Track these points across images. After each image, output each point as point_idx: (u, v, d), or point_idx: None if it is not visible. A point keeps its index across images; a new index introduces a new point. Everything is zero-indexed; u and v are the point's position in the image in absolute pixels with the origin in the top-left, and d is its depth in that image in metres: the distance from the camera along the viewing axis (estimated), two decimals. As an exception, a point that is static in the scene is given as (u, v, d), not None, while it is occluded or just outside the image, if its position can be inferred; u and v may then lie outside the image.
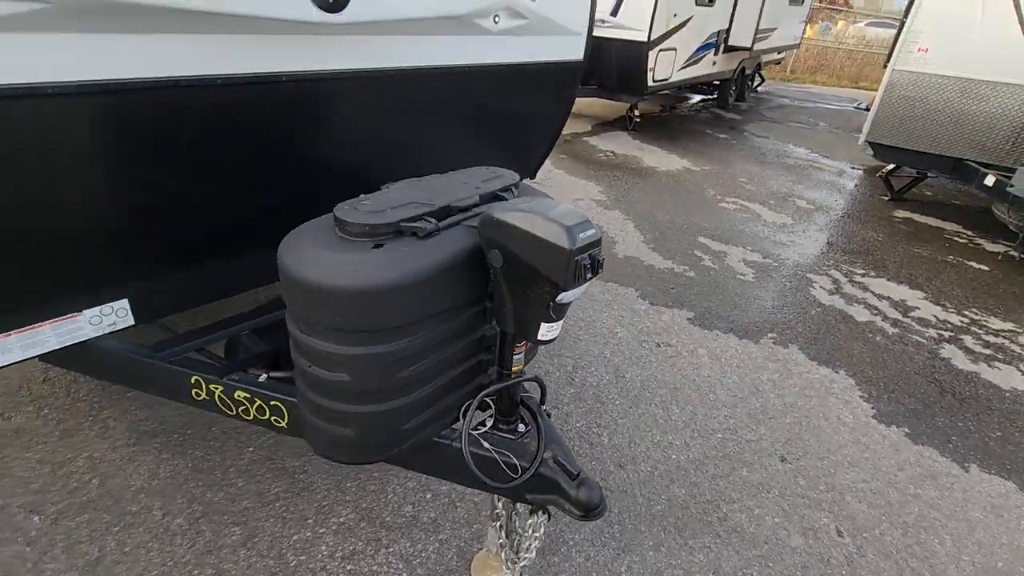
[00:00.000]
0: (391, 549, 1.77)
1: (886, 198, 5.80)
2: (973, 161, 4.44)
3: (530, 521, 1.44)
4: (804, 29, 12.91)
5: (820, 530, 1.95)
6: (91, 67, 1.18)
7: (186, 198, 1.55)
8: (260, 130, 1.57)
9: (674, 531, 1.90)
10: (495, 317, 1.26)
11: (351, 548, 1.76)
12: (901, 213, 5.41)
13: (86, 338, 1.58)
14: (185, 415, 2.23)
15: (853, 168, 7.03)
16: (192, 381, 1.55)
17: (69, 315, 1.53)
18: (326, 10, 1.41)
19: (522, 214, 1.07)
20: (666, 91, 8.36)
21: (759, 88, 12.96)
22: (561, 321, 1.19)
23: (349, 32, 1.52)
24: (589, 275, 1.06)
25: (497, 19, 1.94)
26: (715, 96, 10.84)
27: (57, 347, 1.54)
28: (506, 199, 1.36)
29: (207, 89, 1.37)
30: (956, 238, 4.86)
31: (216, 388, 1.54)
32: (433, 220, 1.18)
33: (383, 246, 1.12)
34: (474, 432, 1.37)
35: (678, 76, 7.66)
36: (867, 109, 10.13)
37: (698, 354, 2.89)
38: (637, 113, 7.97)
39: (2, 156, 1.16)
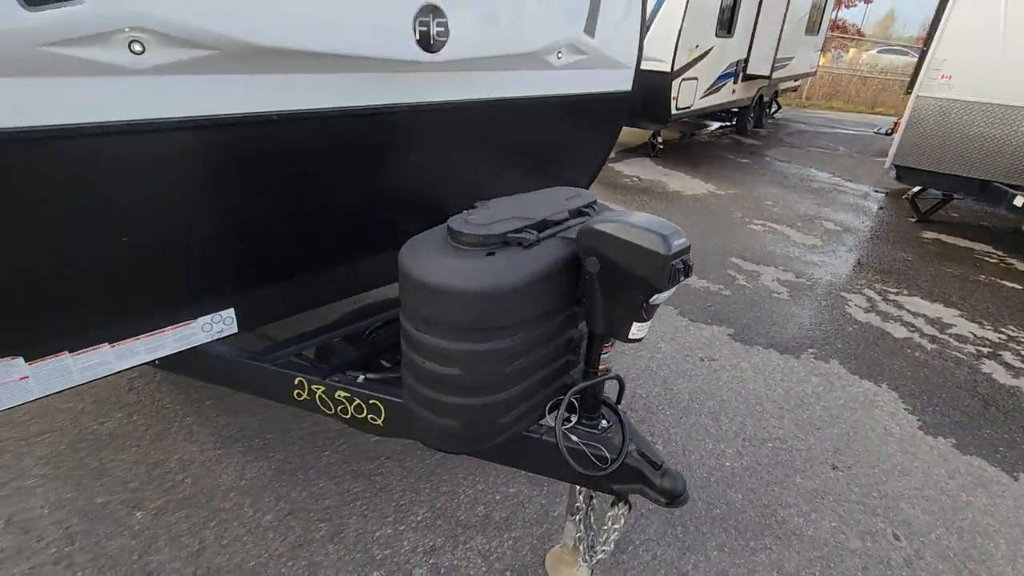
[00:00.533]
0: (469, 545, 1.87)
1: (913, 220, 5.88)
2: (1001, 183, 4.53)
3: (611, 513, 1.54)
4: (819, 57, 13.14)
5: (877, 534, 2.01)
6: (232, 102, 1.36)
7: (289, 220, 1.72)
8: (359, 156, 1.75)
9: (735, 533, 1.98)
10: (586, 319, 1.39)
11: (431, 544, 1.87)
12: (929, 234, 5.48)
13: (198, 343, 1.75)
14: (263, 421, 2.38)
15: (877, 191, 7.12)
16: (296, 382, 1.70)
17: (185, 322, 1.70)
18: (427, 51, 1.60)
19: (620, 225, 1.22)
20: (687, 118, 8.58)
21: (776, 114, 13.18)
22: (650, 321, 1.32)
23: (442, 69, 1.70)
24: (682, 277, 1.20)
25: (560, 55, 2.12)
26: (734, 123, 11.05)
27: (174, 351, 1.71)
28: (590, 214, 1.51)
29: (321, 120, 1.55)
30: (987, 258, 4.92)
31: (318, 389, 1.68)
32: (534, 232, 1.33)
33: (495, 254, 1.27)
34: (555, 425, 1.49)
35: (700, 104, 7.88)
36: (887, 134, 10.31)
37: (742, 368, 2.98)
38: (659, 140, 8.18)
39: (155, 182, 1.34)
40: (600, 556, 1.62)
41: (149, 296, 1.56)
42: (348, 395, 1.66)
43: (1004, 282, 4.40)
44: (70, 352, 1.50)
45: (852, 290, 4.08)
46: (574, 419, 1.52)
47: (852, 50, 24.12)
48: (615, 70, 2.45)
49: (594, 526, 1.68)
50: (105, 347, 1.56)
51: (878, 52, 25.06)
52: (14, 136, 1.06)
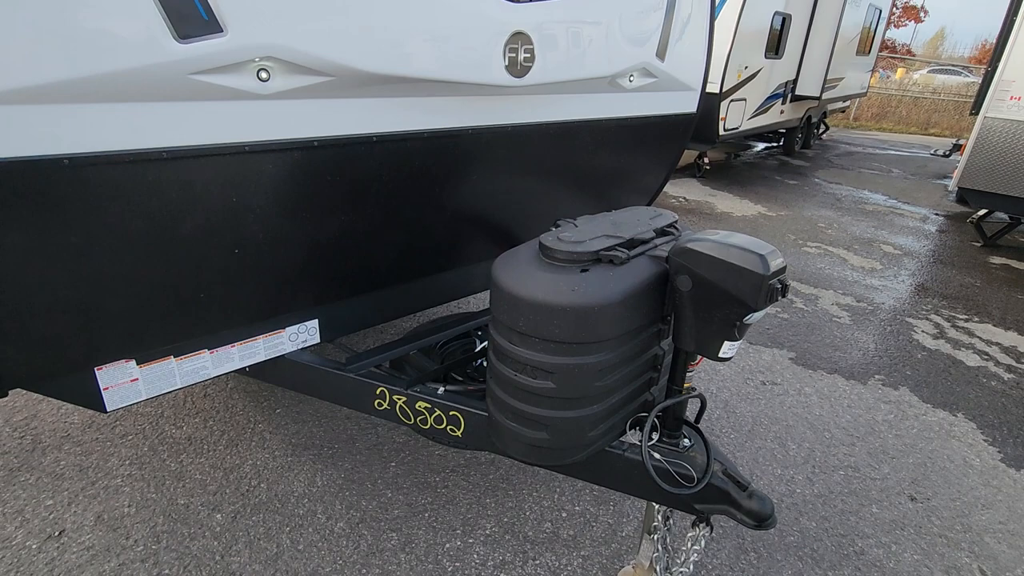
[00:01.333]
0: (538, 562, 1.87)
1: (978, 244, 5.65)
2: (1077, 206, 4.34)
3: (691, 533, 1.53)
4: (870, 78, 12.87)
5: (963, 568, 1.92)
6: (340, 124, 1.45)
7: (377, 235, 1.80)
8: (445, 175, 1.82)
9: (811, 561, 1.92)
10: (674, 336, 1.40)
11: (500, 558, 1.88)
12: (996, 259, 5.26)
13: (284, 352, 1.83)
14: (328, 431, 2.44)
15: (937, 214, 6.88)
16: (378, 392, 1.76)
17: (275, 331, 1.78)
18: (514, 76, 1.66)
19: (715, 244, 1.23)
20: (733, 139, 8.51)
21: (823, 135, 12.93)
22: (741, 340, 1.32)
23: (525, 92, 1.77)
24: (779, 297, 1.20)
25: (632, 78, 2.17)
26: (780, 143, 10.89)
27: (264, 358, 1.79)
28: (674, 233, 1.53)
29: (415, 140, 1.63)
30: (1062, 285, 4.68)
31: (399, 399, 1.73)
32: (625, 250, 1.36)
33: (588, 271, 1.30)
34: (638, 442, 1.49)
35: (747, 125, 7.81)
36: (946, 155, 9.98)
37: (806, 393, 2.91)
38: (706, 160, 8.13)
39: (267, 198, 1.42)
40: (677, 578, 1.60)
41: (246, 306, 1.65)
42: (429, 406, 1.70)
43: (1083, 311, 4.18)
44: (175, 357, 1.59)
45: (917, 315, 3.94)
46: (655, 436, 1.52)
47: (900, 70, 23.55)
48: (682, 92, 2.48)
49: (670, 546, 1.67)
50: (204, 353, 1.65)
51: (928, 72, 24.41)
52: (162, 155, 1.16)
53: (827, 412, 2.75)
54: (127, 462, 2.23)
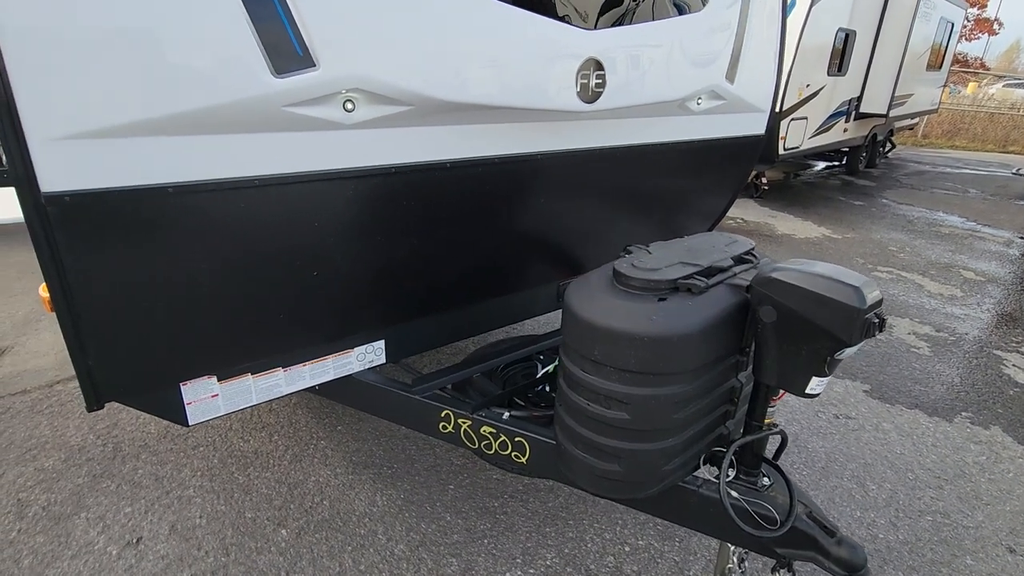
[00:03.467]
0: (601, 597, 1.81)
1: (1071, 271, 5.22)
2: None
3: (769, 580, 1.44)
4: (941, 94, 12.26)
5: (1079, 636, 1.73)
6: (418, 151, 1.48)
7: (446, 258, 1.82)
8: (515, 199, 1.83)
9: (899, 616, 1.77)
10: (755, 369, 1.34)
11: (562, 591, 1.83)
12: (1094, 288, 4.84)
13: (352, 371, 1.86)
14: (388, 450, 2.46)
15: (1022, 238, 6.41)
16: (443, 415, 1.76)
17: (344, 351, 1.81)
18: (586, 102, 1.66)
19: (803, 274, 1.18)
20: (793, 159, 8.24)
21: (890, 154, 12.36)
22: (830, 376, 1.25)
23: (596, 117, 1.76)
24: (877, 332, 1.13)
25: (700, 101, 2.13)
26: (843, 162, 10.48)
27: (333, 377, 1.83)
28: (752, 261, 1.48)
29: (488, 166, 1.64)
30: None
31: (464, 423, 1.73)
32: (703, 279, 1.31)
33: (666, 300, 1.26)
34: (716, 480, 1.42)
35: (808, 144, 7.55)
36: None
37: (884, 428, 2.73)
38: (764, 180, 7.90)
39: (347, 223, 1.47)
40: (753, 626, 1.51)
41: (320, 326, 1.69)
42: (494, 431, 1.69)
43: None
44: (252, 375, 1.65)
45: (1007, 348, 3.65)
46: (731, 473, 1.45)
47: (972, 84, 22.32)
48: (750, 114, 2.42)
49: (745, 592, 1.58)
50: (279, 372, 1.70)
51: (1003, 86, 23.05)
52: (254, 183, 1.21)
53: (909, 451, 2.57)
54: (199, 473, 2.32)
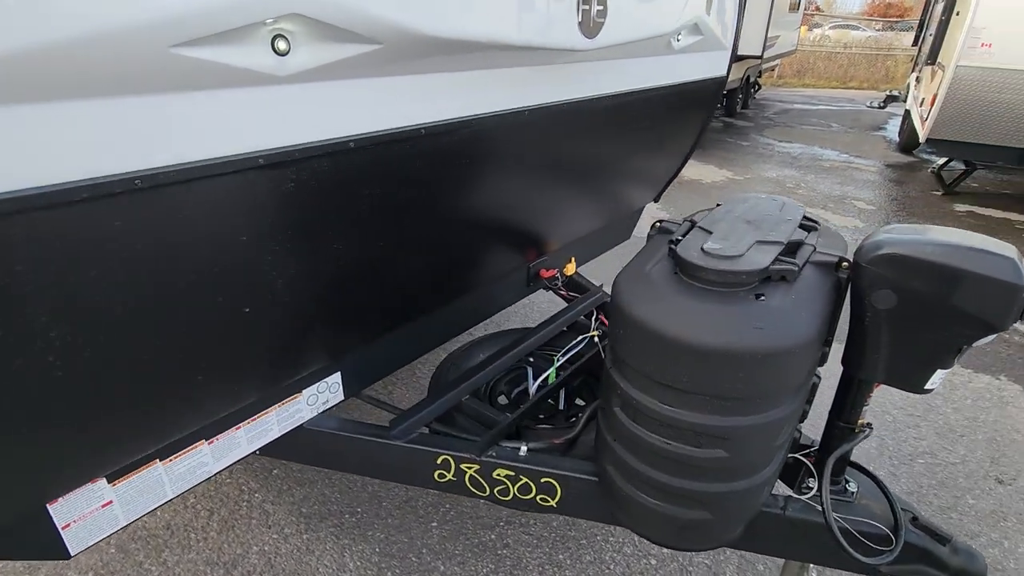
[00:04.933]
0: (644, 630, 1.56)
1: (939, 193, 5.77)
2: (1043, 150, 4.42)
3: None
4: (798, 35, 13.13)
5: (1085, 560, 1.77)
6: (386, 114, 1.01)
7: (406, 257, 1.37)
8: (490, 168, 1.41)
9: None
10: (851, 363, 1.09)
11: (599, 634, 1.55)
12: (961, 207, 5.37)
13: (303, 420, 1.40)
14: (344, 491, 2.01)
15: (887, 166, 7.03)
16: (439, 461, 1.36)
17: (290, 397, 1.34)
18: (586, 36, 1.27)
19: (941, 247, 0.92)
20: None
21: (756, 95, 13.11)
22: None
23: (593, 58, 1.38)
24: (1034, 312, 0.90)
25: (679, 37, 1.81)
26: (722, 104, 10.91)
27: (279, 435, 1.35)
28: (816, 228, 1.21)
29: (463, 130, 1.21)
30: (1027, 228, 4.82)
31: (469, 468, 1.34)
32: (794, 262, 1.02)
33: (764, 297, 0.95)
34: (804, 498, 1.19)
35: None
36: (881, 107, 10.33)
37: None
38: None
39: (268, 224, 0.98)
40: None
41: (256, 374, 1.20)
42: (511, 473, 1.32)
43: (1058, 252, 4.29)
44: (161, 460, 1.13)
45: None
46: (813, 485, 1.22)
47: (803, 27, 24.45)
48: (718, 52, 2.15)
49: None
50: (202, 446, 1.19)
51: (830, 28, 25.49)
52: (134, 183, 0.70)
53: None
54: (90, 574, 1.72)
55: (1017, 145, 4.53)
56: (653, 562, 1.76)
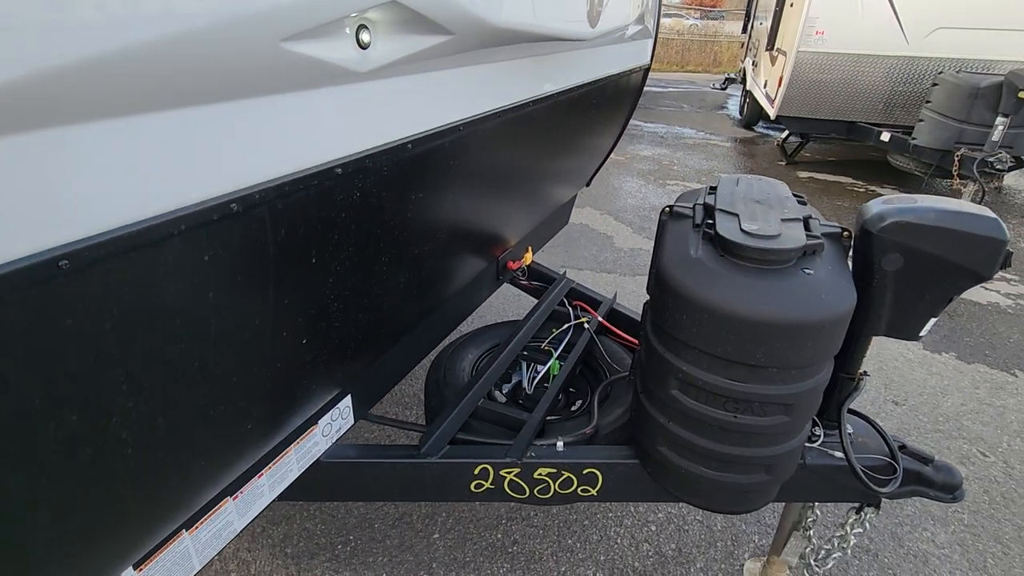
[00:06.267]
0: (665, 593, 1.65)
1: (783, 163, 6.63)
2: (864, 122, 5.27)
3: (853, 518, 1.43)
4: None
5: (970, 456, 2.20)
6: (439, 110, 0.93)
7: (414, 264, 1.29)
8: (487, 165, 1.36)
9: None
10: (861, 321, 1.23)
11: (627, 606, 1.61)
12: (802, 174, 6.22)
13: (319, 454, 1.27)
14: (329, 520, 1.86)
15: (735, 140, 7.91)
16: (477, 472, 1.30)
17: (306, 433, 1.21)
18: (591, 25, 1.26)
19: (943, 213, 1.07)
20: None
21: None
22: (939, 314, 1.21)
23: (590, 46, 1.38)
24: (1008, 264, 1.09)
25: (630, 26, 1.87)
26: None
27: (299, 473, 1.22)
28: (804, 202, 1.34)
29: (485, 124, 1.15)
30: (855, 188, 5.72)
31: (509, 472, 1.31)
32: (817, 236, 1.12)
33: (810, 271, 1.04)
34: (814, 445, 1.33)
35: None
36: (722, 88, 11.52)
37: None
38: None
39: (305, 253, 0.87)
40: (831, 564, 1.52)
41: (273, 415, 1.06)
42: (553, 471, 1.31)
43: (882, 207, 5.17)
44: (187, 530, 0.96)
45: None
46: (819, 432, 1.37)
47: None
48: (647, 40, 2.26)
49: (812, 537, 1.57)
50: (227, 504, 1.03)
51: (663, 16, 27.92)
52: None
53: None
54: None
55: (846, 119, 5.36)
56: (653, 528, 1.86)
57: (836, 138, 6.03)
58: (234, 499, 1.04)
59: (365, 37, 0.70)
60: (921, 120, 4.60)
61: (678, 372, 1.10)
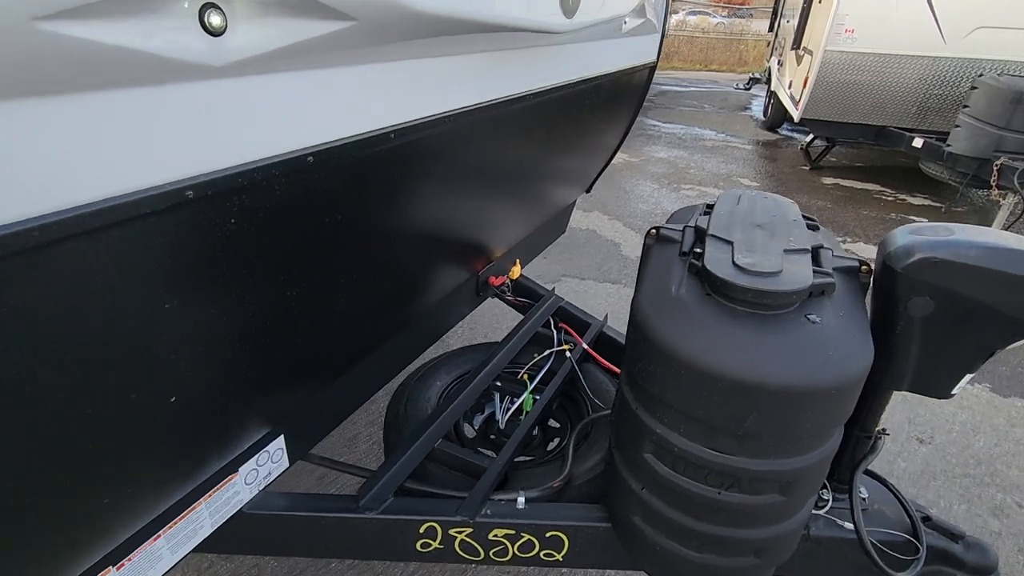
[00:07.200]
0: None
1: (806, 168, 6.33)
2: (895, 127, 4.96)
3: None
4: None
5: (1006, 507, 1.96)
6: (357, 115, 0.76)
7: (357, 286, 1.12)
8: (450, 171, 1.18)
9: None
10: (881, 372, 1.03)
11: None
12: (827, 180, 5.92)
13: (241, 505, 1.11)
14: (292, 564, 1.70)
15: (758, 143, 7.61)
16: (422, 531, 1.13)
17: (225, 480, 1.05)
18: (566, 15, 1.08)
19: (983, 251, 0.86)
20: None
21: (635, 77, 13.66)
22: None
23: (567, 41, 1.19)
24: (1068, 311, 0.88)
25: (627, 20, 1.68)
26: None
27: (211, 531, 1.06)
28: (817, 227, 1.14)
29: (431, 129, 0.98)
30: (883, 197, 5.41)
31: (459, 532, 1.13)
32: (828, 272, 0.93)
33: (815, 317, 0.85)
34: (820, 512, 1.13)
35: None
36: (746, 88, 11.17)
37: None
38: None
39: (212, 283, 0.70)
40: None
41: (176, 465, 0.90)
42: (512, 532, 1.13)
43: (912, 217, 4.87)
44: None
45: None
46: (827, 497, 1.17)
47: (667, 14, 26.07)
48: (652, 35, 2.06)
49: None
50: (110, 573, 0.88)
51: (686, 15, 27.44)
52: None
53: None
54: None
55: (875, 123, 5.06)
56: None
57: (864, 143, 5.71)
58: (117, 568, 0.89)
59: (215, 20, 0.53)
60: (957, 126, 4.29)
61: (652, 434, 0.91)
